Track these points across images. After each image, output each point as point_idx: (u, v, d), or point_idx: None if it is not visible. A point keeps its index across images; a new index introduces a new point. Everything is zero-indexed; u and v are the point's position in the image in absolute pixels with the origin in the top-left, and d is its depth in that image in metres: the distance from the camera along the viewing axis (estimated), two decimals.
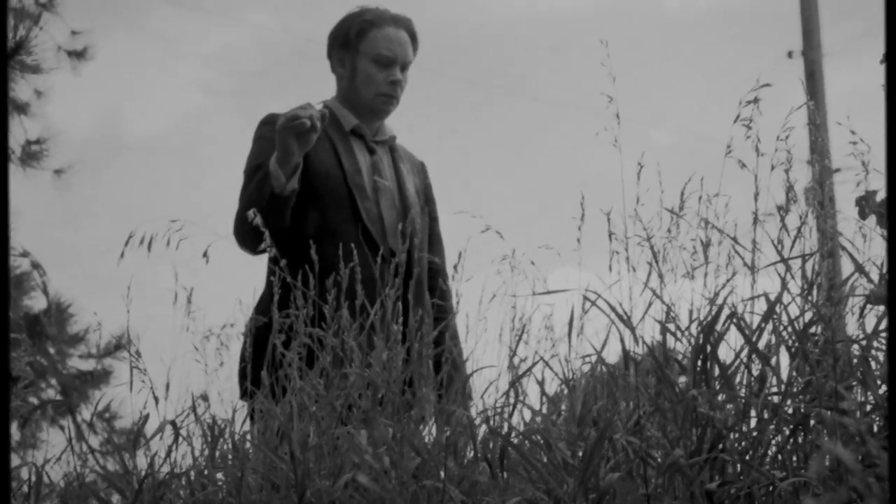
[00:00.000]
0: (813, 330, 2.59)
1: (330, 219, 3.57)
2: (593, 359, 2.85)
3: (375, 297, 2.95)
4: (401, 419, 2.63)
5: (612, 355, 2.89)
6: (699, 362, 2.54)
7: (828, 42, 14.24)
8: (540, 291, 3.04)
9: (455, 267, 2.98)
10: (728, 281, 2.75)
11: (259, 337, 3.19)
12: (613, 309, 2.73)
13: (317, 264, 2.98)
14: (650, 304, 2.79)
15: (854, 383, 2.44)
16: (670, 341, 2.71)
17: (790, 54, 14.43)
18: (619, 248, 2.83)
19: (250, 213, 3.00)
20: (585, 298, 2.89)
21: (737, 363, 2.59)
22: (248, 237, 3.44)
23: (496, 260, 3.03)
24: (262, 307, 3.36)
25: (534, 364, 2.92)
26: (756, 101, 2.68)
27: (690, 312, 2.76)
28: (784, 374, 2.56)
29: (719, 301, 2.66)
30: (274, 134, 3.53)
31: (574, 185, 3.36)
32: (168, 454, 3.03)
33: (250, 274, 3.68)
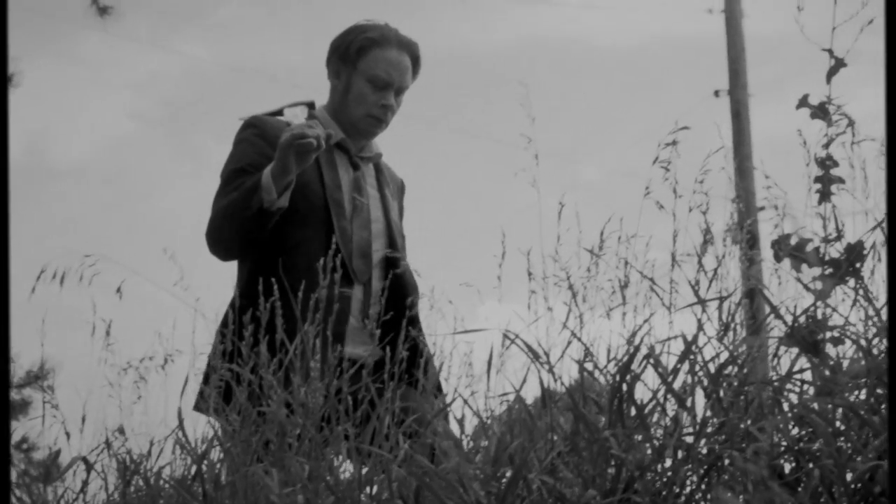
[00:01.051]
0: (728, 371, 2.61)
1: (302, 233, 3.45)
2: (512, 397, 2.86)
3: (341, 318, 2.92)
4: (317, 457, 2.61)
5: (532, 394, 2.90)
6: (615, 402, 2.55)
7: (754, 82, 14.43)
8: (459, 330, 3.05)
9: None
10: (646, 321, 2.77)
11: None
12: (531, 348, 2.74)
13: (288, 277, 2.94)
14: (569, 343, 2.81)
15: (766, 425, 2.46)
16: (588, 380, 2.73)
17: (717, 93, 14.59)
18: (537, 288, 2.84)
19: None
20: (505, 336, 2.90)
21: (653, 403, 2.61)
22: (222, 245, 3.40)
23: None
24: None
25: (452, 401, 2.92)
26: (674, 143, 2.71)
27: (608, 352, 2.78)
28: (700, 415, 2.57)
29: (636, 341, 2.68)
30: (256, 138, 3.48)
31: (496, 222, 3.37)
32: (82, 489, 2.99)
33: (170, 306, 3.64)
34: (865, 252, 2.59)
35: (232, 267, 3.50)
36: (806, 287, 2.60)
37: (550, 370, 2.74)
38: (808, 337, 2.50)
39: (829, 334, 2.54)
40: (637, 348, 2.61)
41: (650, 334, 2.70)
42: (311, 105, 3.71)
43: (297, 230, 3.43)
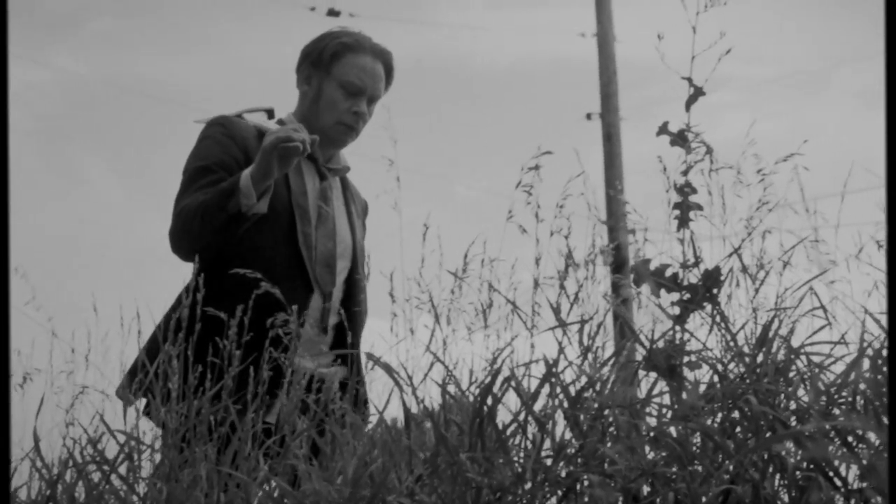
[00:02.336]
0: (588, 394, 2.63)
1: (265, 237, 3.37)
2: (375, 419, 2.85)
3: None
4: (175, 478, 2.57)
5: (396, 415, 2.90)
6: (476, 424, 2.56)
7: (626, 106, 14.64)
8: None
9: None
10: (508, 344, 2.78)
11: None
12: (394, 370, 2.74)
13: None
14: (432, 366, 2.81)
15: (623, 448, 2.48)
16: (450, 403, 2.73)
17: (589, 116, 14.77)
18: (398, 311, 2.84)
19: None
20: (369, 358, 2.89)
21: (514, 426, 2.62)
22: (187, 246, 3.30)
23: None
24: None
25: (313, 422, 2.90)
26: (537, 167, 2.73)
27: (470, 374, 2.79)
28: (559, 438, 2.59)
29: (498, 364, 2.69)
30: (223, 137, 3.40)
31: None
32: None
33: (26, 325, 3.56)
34: (722, 278, 2.63)
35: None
36: (664, 311, 2.64)
37: (413, 392, 2.74)
38: (665, 361, 2.53)
39: (686, 359, 2.58)
40: (498, 371, 2.62)
41: (511, 357, 2.71)
42: (269, 112, 3.63)
43: (257, 234, 3.35)
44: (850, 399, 2.40)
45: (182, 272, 3.16)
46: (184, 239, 3.33)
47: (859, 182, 2.81)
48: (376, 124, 3.28)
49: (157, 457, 2.69)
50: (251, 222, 3.26)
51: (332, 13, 13.60)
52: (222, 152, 3.39)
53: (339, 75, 3.54)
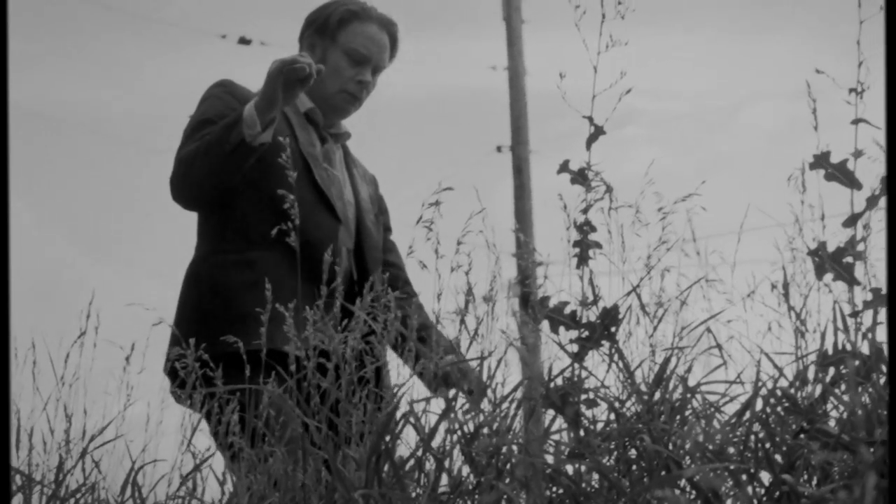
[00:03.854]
0: (486, 430, 2.63)
1: (283, 180, 3.17)
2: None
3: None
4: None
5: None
6: (373, 460, 2.54)
7: (536, 139, 14.73)
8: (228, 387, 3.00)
9: (127, 359, 2.90)
10: (407, 381, 2.77)
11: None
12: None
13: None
14: None
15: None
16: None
17: (499, 149, 14.85)
18: None
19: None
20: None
21: (411, 462, 2.61)
22: (192, 186, 3.24)
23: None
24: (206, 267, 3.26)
25: (209, 457, 2.87)
26: (437, 203, 2.73)
27: None
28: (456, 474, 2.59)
29: (397, 399, 2.68)
30: (225, 94, 3.33)
31: None
32: None
33: None
34: (621, 316, 2.65)
35: None
36: (562, 348, 2.65)
37: (308, 427, 2.71)
38: (562, 399, 2.54)
39: (583, 396, 2.59)
40: (397, 406, 2.61)
41: (409, 393, 2.70)
42: None
43: (272, 183, 3.17)
44: (743, 438, 2.42)
45: (82, 303, 3.10)
46: (187, 179, 3.25)
47: (759, 220, 2.85)
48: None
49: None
50: (255, 156, 3.17)
51: (244, 41, 13.55)
52: (224, 106, 3.31)
53: (345, 43, 3.49)
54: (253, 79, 3.37)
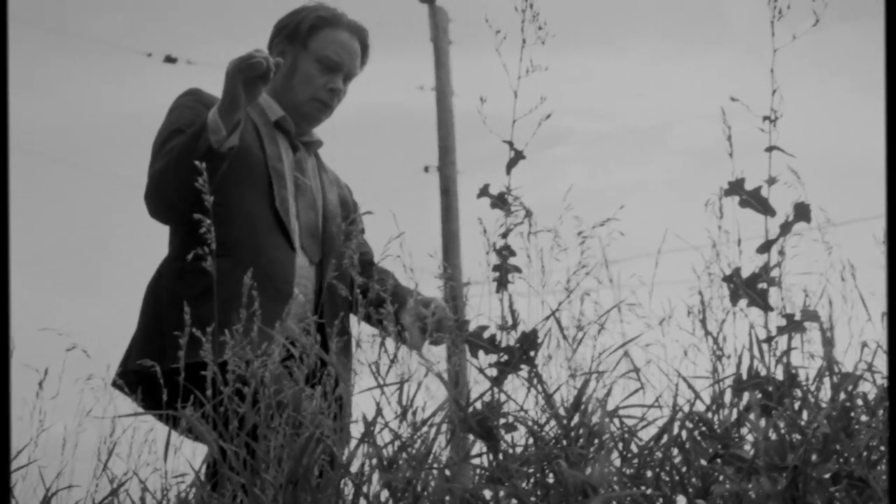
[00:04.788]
0: (405, 455, 2.62)
1: (242, 196, 3.22)
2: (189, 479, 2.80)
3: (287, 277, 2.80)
4: None
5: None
6: (290, 486, 2.53)
7: (464, 159, 14.77)
8: (139, 412, 2.97)
9: (40, 384, 2.85)
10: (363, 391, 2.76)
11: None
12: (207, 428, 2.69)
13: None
14: None
15: None
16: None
17: (426, 169, 14.87)
18: None
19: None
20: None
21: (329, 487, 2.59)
22: (167, 198, 3.15)
23: (81, 379, 2.92)
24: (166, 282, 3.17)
25: (125, 481, 2.84)
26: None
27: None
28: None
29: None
30: (194, 103, 3.24)
31: None
32: None
33: None
34: (540, 340, 2.65)
35: None
36: (482, 372, 2.65)
37: (224, 452, 2.69)
38: (481, 423, 2.54)
39: (502, 420, 2.59)
40: (314, 431, 2.59)
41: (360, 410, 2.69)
42: None
43: (234, 194, 3.19)
44: (660, 462, 2.44)
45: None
46: (161, 193, 3.18)
47: (679, 242, 2.87)
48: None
49: None
50: (226, 162, 3.10)
51: (169, 60, 13.45)
52: (193, 115, 3.23)
53: (317, 50, 3.43)
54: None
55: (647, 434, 2.61)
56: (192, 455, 2.86)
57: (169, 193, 3.16)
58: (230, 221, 3.12)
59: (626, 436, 2.59)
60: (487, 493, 2.49)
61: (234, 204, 3.21)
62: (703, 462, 2.34)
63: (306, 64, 3.43)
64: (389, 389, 2.72)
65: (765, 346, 2.45)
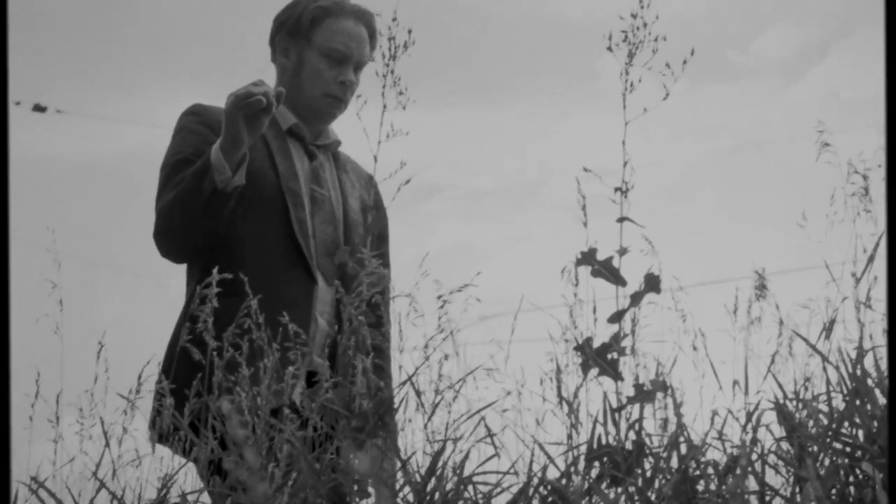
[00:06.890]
0: None
1: (255, 227, 3.07)
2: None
3: (303, 321, 2.72)
4: None
5: None
6: None
7: None
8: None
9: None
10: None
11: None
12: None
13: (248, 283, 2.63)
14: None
15: None
16: None
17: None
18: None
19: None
20: (29, 487, 2.81)
21: None
22: (176, 241, 3.03)
23: None
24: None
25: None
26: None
27: None
28: None
29: None
30: (199, 126, 3.08)
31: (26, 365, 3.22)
32: None
33: None
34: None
35: None
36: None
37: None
38: (334, 491, 2.53)
39: (355, 487, 2.58)
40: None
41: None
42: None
43: (247, 224, 3.05)
44: None
45: None
46: (169, 235, 3.06)
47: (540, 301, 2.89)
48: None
49: None
50: (234, 199, 2.97)
51: (38, 108, 13.20)
52: (199, 141, 3.07)
53: (321, 42, 3.22)
54: (52, 147, 3.26)
55: (501, 501, 2.62)
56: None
57: (180, 233, 3.04)
58: (241, 259, 2.98)
59: (482, 502, 2.58)
60: None
61: (247, 237, 3.08)
62: None
63: (312, 59, 3.24)
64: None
65: (617, 415, 2.47)
